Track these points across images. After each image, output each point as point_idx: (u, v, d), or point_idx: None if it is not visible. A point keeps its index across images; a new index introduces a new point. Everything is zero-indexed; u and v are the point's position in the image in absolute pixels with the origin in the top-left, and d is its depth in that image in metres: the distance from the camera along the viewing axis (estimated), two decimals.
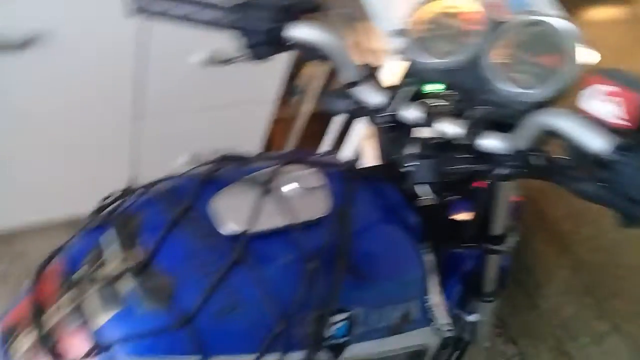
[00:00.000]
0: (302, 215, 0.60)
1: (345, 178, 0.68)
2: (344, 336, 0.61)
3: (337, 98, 0.78)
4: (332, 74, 1.91)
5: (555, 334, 1.58)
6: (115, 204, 0.64)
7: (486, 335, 1.20)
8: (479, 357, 1.69)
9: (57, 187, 1.43)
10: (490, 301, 1.04)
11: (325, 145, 1.79)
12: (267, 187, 0.61)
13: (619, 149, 0.48)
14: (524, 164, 0.61)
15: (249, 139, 1.61)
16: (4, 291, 1.49)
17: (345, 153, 1.51)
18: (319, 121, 1.91)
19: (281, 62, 1.41)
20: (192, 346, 0.53)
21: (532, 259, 1.60)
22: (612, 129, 0.49)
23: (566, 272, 1.51)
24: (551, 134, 0.55)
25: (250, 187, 0.62)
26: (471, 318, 1.11)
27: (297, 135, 1.88)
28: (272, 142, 1.99)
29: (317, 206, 0.62)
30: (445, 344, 1.17)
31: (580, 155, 0.52)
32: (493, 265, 0.93)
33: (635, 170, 0.47)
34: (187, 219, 0.59)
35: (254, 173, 0.65)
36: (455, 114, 0.64)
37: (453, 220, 0.82)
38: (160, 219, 0.59)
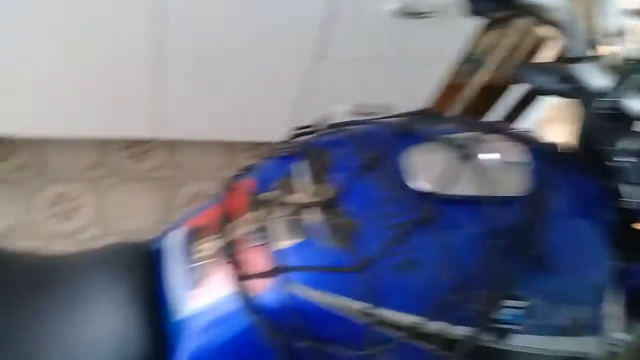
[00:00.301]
0: (497, 189, 0.57)
1: (547, 160, 0.63)
2: (513, 323, 0.58)
3: (542, 73, 0.72)
4: (515, 48, 1.79)
5: None
6: (310, 138, 0.64)
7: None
8: None
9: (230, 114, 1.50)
10: None
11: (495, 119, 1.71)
12: (467, 152, 0.58)
13: None
14: None
15: (414, 99, 1.58)
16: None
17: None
18: (488, 93, 1.82)
19: (470, 25, 1.34)
20: (364, 292, 0.53)
21: None
22: None
23: None
24: None
25: (447, 149, 0.59)
26: (622, 337, 1.01)
27: (462, 105, 1.81)
28: (433, 107, 1.94)
29: (514, 183, 0.58)
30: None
31: None
32: None
33: None
34: (378, 167, 0.58)
35: (453, 135, 0.61)
36: None
37: None
38: (351, 160, 0.59)
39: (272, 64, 1.37)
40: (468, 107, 1.84)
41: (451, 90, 1.91)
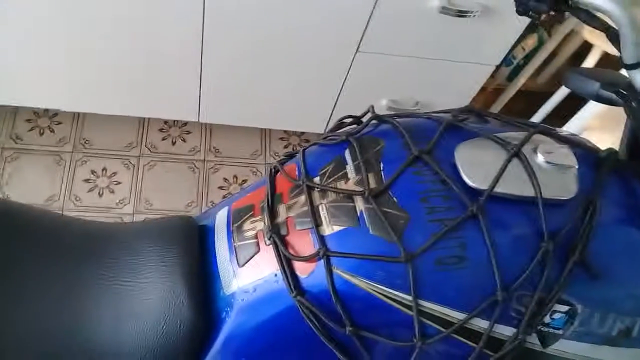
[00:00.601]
0: (548, 191, 0.56)
1: (599, 165, 0.62)
2: (559, 328, 0.57)
3: (587, 79, 0.71)
4: (556, 53, 1.76)
5: None
6: (360, 126, 0.64)
7: None
8: None
9: (265, 101, 1.52)
10: None
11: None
12: (518, 151, 0.58)
13: None
14: None
15: (452, 100, 1.57)
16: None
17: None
18: (527, 98, 1.80)
19: (513, 27, 1.33)
20: (410, 284, 0.53)
21: None
22: None
23: None
24: None
25: (497, 147, 0.59)
26: None
27: (500, 109, 1.80)
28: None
29: (565, 186, 0.58)
30: None
31: None
32: None
33: None
34: (430, 160, 0.58)
35: (505, 133, 0.61)
36: None
37: None
38: (401, 151, 0.59)
39: (315, 55, 1.38)
40: (507, 111, 1.83)
41: (491, 92, 1.90)
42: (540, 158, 0.58)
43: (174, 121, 1.71)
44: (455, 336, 0.55)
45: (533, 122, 0.66)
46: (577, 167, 0.59)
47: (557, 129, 0.71)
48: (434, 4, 1.23)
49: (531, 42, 1.76)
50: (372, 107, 0.68)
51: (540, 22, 1.73)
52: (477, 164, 0.58)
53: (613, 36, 0.60)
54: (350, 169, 0.59)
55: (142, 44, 1.33)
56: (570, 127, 1.33)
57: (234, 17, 1.27)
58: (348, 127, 0.67)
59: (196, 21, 1.26)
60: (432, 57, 1.39)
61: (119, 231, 0.68)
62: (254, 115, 1.58)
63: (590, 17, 0.63)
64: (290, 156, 0.68)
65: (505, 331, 0.55)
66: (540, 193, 0.55)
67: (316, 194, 0.59)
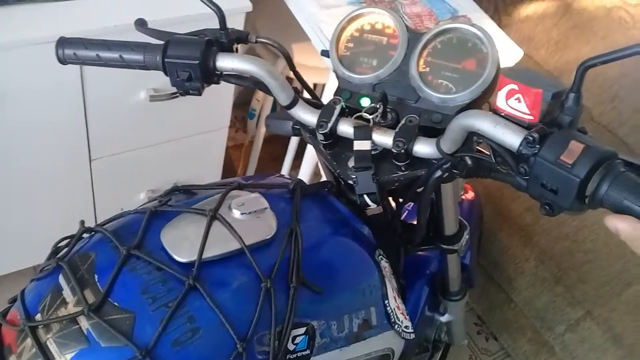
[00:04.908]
0: (251, 238, 0.62)
1: (291, 197, 0.70)
2: (305, 349, 0.63)
3: (281, 121, 0.81)
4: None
5: (532, 325, 1.61)
6: (70, 246, 0.64)
7: (463, 333, 1.23)
8: (464, 356, 1.72)
9: (24, 238, 1.42)
10: (458, 300, 1.07)
11: (286, 166, 1.82)
12: (214, 214, 0.63)
13: (528, 143, 0.51)
14: (456, 165, 0.63)
15: (208, 168, 1.62)
16: None
17: (304, 172, 1.53)
18: (279, 142, 1.94)
19: (228, 87, 1.43)
20: None
21: (500, 254, 1.63)
22: (524, 125, 0.53)
23: (533, 264, 1.55)
24: (474, 135, 0.58)
25: (197, 216, 0.63)
26: (444, 318, 1.13)
27: (256, 159, 1.90)
28: (233, 167, 2.01)
29: (265, 227, 0.64)
30: (418, 345, 1.19)
31: (501, 151, 0.55)
32: (454, 264, 0.96)
33: (543, 161, 0.50)
34: (140, 253, 0.60)
35: (202, 202, 0.66)
36: (389, 124, 0.66)
37: (408, 223, 0.85)
38: (113, 256, 0.60)
39: (51, 183, 1.33)
40: (265, 160, 1.95)
41: (244, 148, 2.01)
42: (235, 212, 0.64)
43: None
44: None
45: (230, 180, 0.73)
46: (268, 207, 0.66)
47: (256, 176, 0.79)
48: (141, 97, 1.26)
49: (262, 93, 1.90)
50: (82, 221, 0.68)
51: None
52: (182, 239, 0.62)
53: (265, 89, 0.69)
54: (67, 292, 0.59)
55: None
56: (306, 164, 1.47)
57: None
58: (64, 250, 0.67)
59: None
60: (166, 140, 1.42)
61: None
62: (19, 257, 1.47)
63: (241, 79, 0.72)
64: (12, 301, 0.65)
65: None
66: (244, 242, 0.61)
67: (41, 332, 0.57)
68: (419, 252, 0.99)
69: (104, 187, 1.43)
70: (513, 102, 0.53)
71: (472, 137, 0.61)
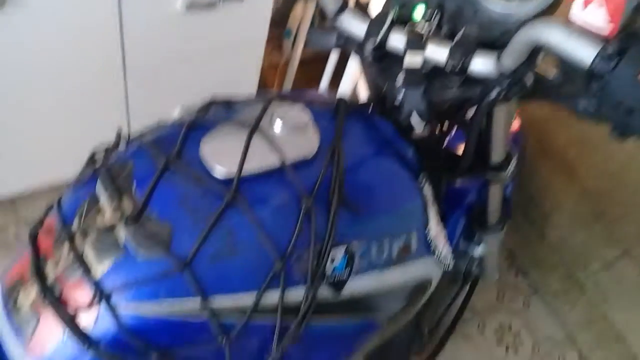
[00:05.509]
0: (292, 154, 0.59)
1: (334, 115, 0.66)
2: (344, 270, 0.61)
3: (324, 34, 0.76)
4: (322, 13, 1.86)
5: (565, 263, 1.58)
6: (107, 155, 0.63)
7: (495, 268, 1.21)
8: (492, 290, 1.71)
9: (57, 150, 1.43)
10: (496, 232, 1.04)
11: (322, 86, 1.77)
12: (255, 127, 0.60)
13: (603, 58, 0.46)
14: (515, 84, 0.59)
15: (243, 88, 1.58)
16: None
17: (342, 92, 1.48)
18: (315, 64, 1.88)
19: (266, 1, 1.37)
20: (191, 288, 0.53)
21: (538, 189, 1.59)
22: (600, 38, 0.48)
23: (573, 200, 1.50)
24: (540, 49, 0.53)
25: (238, 128, 0.61)
26: (478, 251, 1.11)
27: (291, 81, 1.85)
28: (267, 89, 1.97)
29: (306, 144, 0.61)
30: (449, 276, 1.17)
31: (570, 68, 0.50)
32: (496, 194, 0.92)
33: (623, 76, 0.45)
34: (178, 165, 0.58)
35: (242, 114, 0.63)
36: (444, 37, 0.62)
37: (452, 151, 0.81)
38: (151, 166, 0.58)
39: (86, 92, 1.31)
40: (300, 81, 1.89)
41: (279, 69, 1.95)
42: (277, 127, 0.61)
43: None
44: (255, 318, 0.56)
45: (271, 94, 0.69)
46: (311, 122, 0.62)
47: (299, 91, 0.75)
48: (178, 6, 1.22)
49: (299, 10, 1.83)
50: (119, 129, 0.67)
51: None
52: (221, 152, 0.59)
53: None
54: (104, 201, 0.58)
55: None
56: (346, 79, 1.41)
57: None
58: (100, 159, 0.65)
59: None
60: (201, 54, 1.39)
61: None
62: (53, 170, 1.47)
63: None
64: (49, 209, 0.65)
65: (297, 294, 0.58)
66: (285, 158, 0.58)
67: (78, 239, 0.57)
68: (460, 181, 0.95)
69: (138, 102, 1.41)
70: (592, 8, 0.47)
71: (537, 53, 0.56)
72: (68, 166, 1.44)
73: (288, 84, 1.86)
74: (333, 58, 1.63)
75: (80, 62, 1.25)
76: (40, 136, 1.38)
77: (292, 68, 1.81)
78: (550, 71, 0.57)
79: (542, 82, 0.58)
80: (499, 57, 0.57)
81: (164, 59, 1.35)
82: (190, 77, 1.43)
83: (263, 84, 1.89)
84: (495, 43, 0.60)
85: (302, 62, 1.83)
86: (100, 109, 1.39)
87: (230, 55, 1.44)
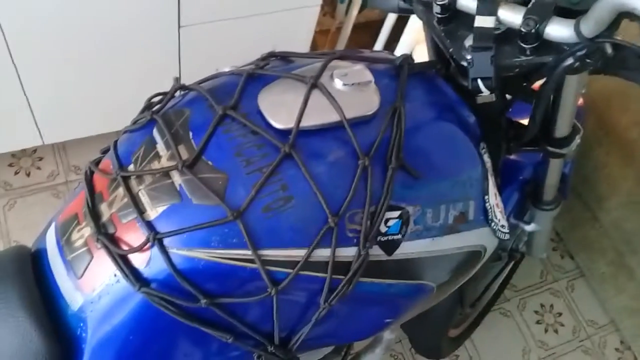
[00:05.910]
0: (352, 111, 0.58)
1: (397, 74, 0.64)
2: (397, 233, 0.60)
3: None
4: None
5: (616, 248, 1.53)
6: (164, 101, 0.63)
7: (544, 247, 1.17)
8: (536, 270, 1.68)
9: (109, 102, 1.44)
10: (550, 209, 1.00)
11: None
12: (315, 82, 0.58)
13: None
14: (594, 53, 0.55)
15: (294, 47, 1.56)
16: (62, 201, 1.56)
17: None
18: (367, 30, 1.84)
19: None
20: (242, 239, 0.53)
21: (593, 170, 1.52)
22: None
23: (630, 184, 1.44)
24: (627, 16, 0.49)
25: (298, 83, 0.59)
26: (529, 228, 1.07)
27: (344, 46, 1.82)
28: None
29: (367, 101, 0.59)
30: (503, 248, 1.14)
31: None
32: (555, 170, 0.89)
33: None
34: (236, 115, 0.57)
35: (302, 68, 0.62)
36: (518, 1, 0.58)
37: (514, 121, 0.78)
38: (208, 114, 0.58)
39: (139, 42, 1.32)
40: (351, 45, 1.85)
41: (331, 35, 1.92)
42: (337, 82, 0.59)
43: (22, 151, 1.59)
44: (305, 272, 0.56)
45: (333, 51, 0.67)
46: (373, 80, 0.60)
47: (360, 50, 0.73)
48: None
49: None
50: (176, 78, 0.66)
51: None
52: (280, 105, 0.58)
53: None
54: (160, 146, 0.58)
55: None
56: (402, 46, 1.37)
57: (39, 27, 1.18)
58: (157, 105, 0.65)
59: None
60: (256, 13, 1.37)
61: None
62: (101, 120, 1.50)
63: None
64: (105, 152, 0.65)
65: (348, 252, 0.57)
66: (344, 115, 0.57)
67: (133, 182, 0.57)
68: (518, 153, 0.92)
69: (190, 58, 1.41)
70: None
71: (620, 20, 0.52)
72: (118, 118, 1.47)
73: (340, 48, 1.83)
74: (389, 23, 1.59)
75: (136, 15, 1.25)
76: (93, 88, 1.40)
77: (345, 33, 1.77)
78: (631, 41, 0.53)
79: (622, 52, 0.55)
80: (577, 24, 0.54)
81: (218, 17, 1.34)
82: (242, 38, 1.42)
83: (315, 49, 1.86)
84: (573, 8, 0.56)
85: (355, 27, 1.79)
86: (153, 65, 1.39)
87: (283, 18, 1.42)
